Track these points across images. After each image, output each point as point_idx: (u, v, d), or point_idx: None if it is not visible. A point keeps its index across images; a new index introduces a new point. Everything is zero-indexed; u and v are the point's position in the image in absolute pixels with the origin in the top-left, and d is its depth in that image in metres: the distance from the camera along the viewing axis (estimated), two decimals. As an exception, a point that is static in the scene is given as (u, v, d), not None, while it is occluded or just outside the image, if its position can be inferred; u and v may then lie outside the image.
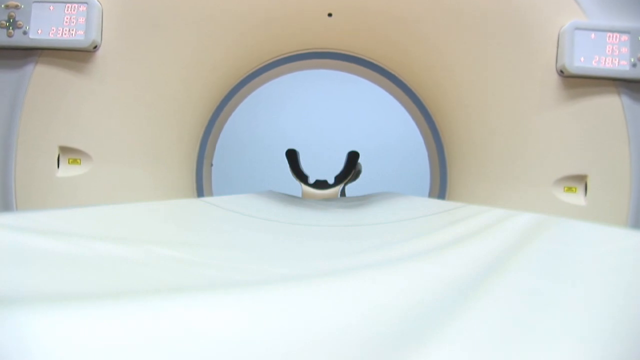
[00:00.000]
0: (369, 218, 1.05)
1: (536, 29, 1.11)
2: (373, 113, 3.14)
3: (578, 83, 1.10)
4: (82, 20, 1.08)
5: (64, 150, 1.11)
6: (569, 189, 1.11)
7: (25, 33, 1.08)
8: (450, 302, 0.30)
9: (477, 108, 1.19)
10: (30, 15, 1.08)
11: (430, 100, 1.32)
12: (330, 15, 1.20)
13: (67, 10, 1.09)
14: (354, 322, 0.26)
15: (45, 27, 1.08)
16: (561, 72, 1.10)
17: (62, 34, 1.08)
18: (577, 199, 1.11)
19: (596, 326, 0.26)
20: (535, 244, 0.51)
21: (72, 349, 0.19)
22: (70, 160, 1.12)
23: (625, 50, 1.07)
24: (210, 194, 1.50)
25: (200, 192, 1.39)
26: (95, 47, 1.11)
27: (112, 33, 1.12)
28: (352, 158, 2.19)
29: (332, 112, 3.21)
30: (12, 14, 1.08)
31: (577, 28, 1.07)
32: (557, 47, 1.10)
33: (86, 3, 1.09)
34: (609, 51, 1.07)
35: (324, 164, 2.36)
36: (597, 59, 1.08)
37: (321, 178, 2.16)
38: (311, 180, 2.15)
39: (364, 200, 1.56)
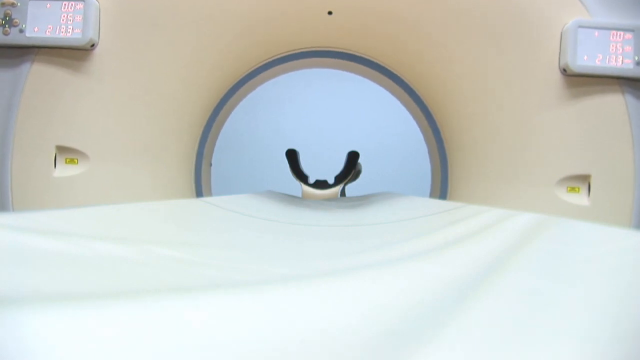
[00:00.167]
0: (369, 218, 1.05)
1: (538, 26, 1.09)
2: (373, 112, 3.15)
3: (581, 82, 1.09)
4: (79, 18, 1.07)
5: (61, 149, 1.11)
6: (572, 189, 1.10)
7: (21, 31, 1.07)
8: (450, 302, 0.30)
9: (479, 107, 1.18)
10: (26, 13, 1.07)
11: (431, 99, 1.32)
12: (330, 13, 1.20)
13: (64, 8, 1.08)
14: (354, 322, 0.26)
15: (42, 25, 1.07)
16: (564, 71, 1.09)
17: (59, 32, 1.07)
18: (580, 199, 1.10)
19: (596, 326, 0.26)
20: (536, 244, 0.51)
21: (72, 348, 0.19)
22: (67, 160, 1.11)
23: (629, 48, 1.06)
24: (210, 194, 1.49)
25: (199, 192, 1.39)
26: (93, 45, 1.10)
27: (110, 31, 1.11)
28: (352, 158, 2.19)
29: (332, 112, 3.21)
30: (8, 11, 1.07)
31: (581, 26, 1.06)
32: (560, 46, 1.09)
33: (83, 1, 1.07)
34: (612, 49, 1.06)
35: (324, 164, 2.36)
36: (601, 57, 1.06)
37: (321, 178, 2.16)
38: (311, 180, 2.15)
39: (364, 200, 1.56)
